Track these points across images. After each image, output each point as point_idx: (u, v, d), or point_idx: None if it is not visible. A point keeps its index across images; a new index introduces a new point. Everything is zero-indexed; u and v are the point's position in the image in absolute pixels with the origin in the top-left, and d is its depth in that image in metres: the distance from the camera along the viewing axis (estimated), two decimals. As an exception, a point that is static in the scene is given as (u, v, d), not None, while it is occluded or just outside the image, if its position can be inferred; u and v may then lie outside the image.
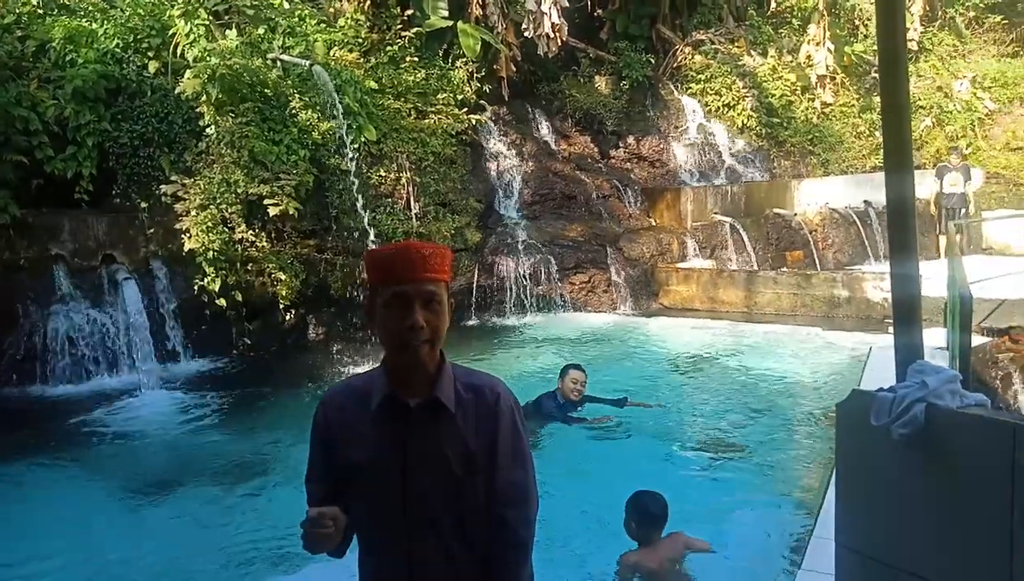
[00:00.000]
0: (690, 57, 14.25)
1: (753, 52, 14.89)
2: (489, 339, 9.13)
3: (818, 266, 11.94)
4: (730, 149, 13.98)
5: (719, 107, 14.09)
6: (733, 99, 14.04)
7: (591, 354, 8.48)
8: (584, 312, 10.34)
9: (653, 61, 13.85)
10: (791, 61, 14.88)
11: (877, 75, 14.78)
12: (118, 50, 8.22)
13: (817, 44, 14.29)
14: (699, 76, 14.18)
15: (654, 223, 11.99)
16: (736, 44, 14.76)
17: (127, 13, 8.45)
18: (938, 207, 12.68)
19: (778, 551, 4.07)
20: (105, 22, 8.31)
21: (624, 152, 13.27)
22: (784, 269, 11.16)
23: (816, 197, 13.05)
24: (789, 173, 14.15)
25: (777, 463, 5.14)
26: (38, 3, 8.27)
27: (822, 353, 8.05)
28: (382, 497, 1.82)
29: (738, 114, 14.00)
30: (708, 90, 14.14)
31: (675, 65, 14.34)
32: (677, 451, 5.56)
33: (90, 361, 7.29)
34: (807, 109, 14.67)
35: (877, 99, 14.82)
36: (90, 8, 8.44)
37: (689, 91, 14.21)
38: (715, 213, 11.95)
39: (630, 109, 13.44)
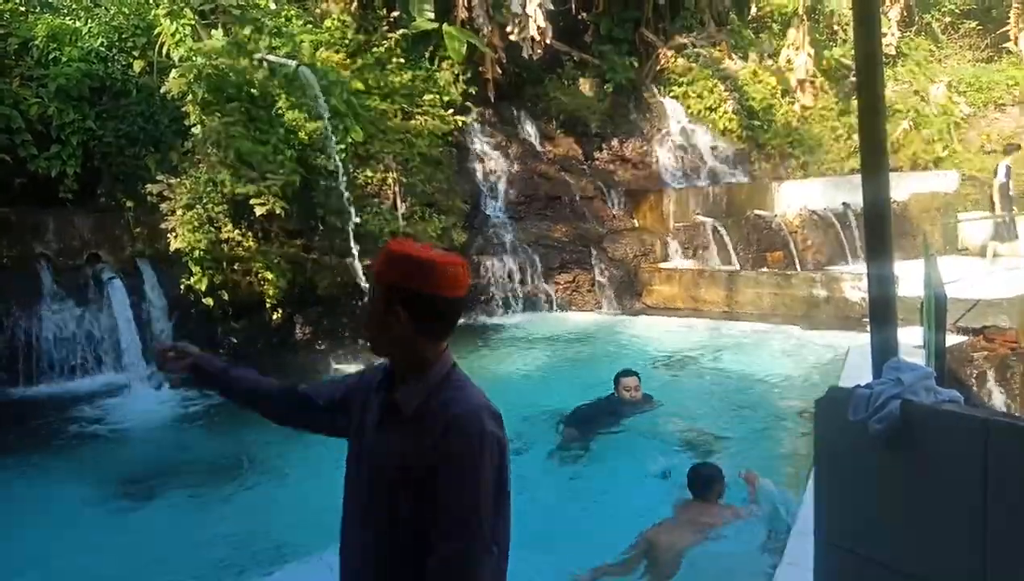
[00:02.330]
0: (672, 60, 14.38)
1: (734, 56, 15.06)
2: (475, 338, 9.18)
3: (798, 266, 12.10)
4: (712, 151, 14.14)
5: (701, 110, 14.24)
6: (715, 102, 14.19)
7: (576, 353, 8.58)
8: (569, 311, 10.43)
9: (636, 64, 13.97)
10: (771, 65, 15.08)
11: (855, 79, 14.96)
12: (102, 48, 8.14)
13: (797, 48, 14.51)
14: (681, 79, 14.32)
15: (637, 224, 12.10)
16: (718, 48, 14.92)
17: (111, 11, 8.38)
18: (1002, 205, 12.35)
19: (759, 545, 4.17)
20: (89, 20, 8.24)
21: (608, 154, 13.37)
22: (765, 269, 11.31)
23: (796, 199, 13.22)
24: (769, 175, 14.33)
25: (758, 459, 5.24)
26: (21, 0, 8.20)
27: (802, 352, 8.19)
28: (348, 473, 1.89)
29: (719, 117, 14.16)
30: (690, 93, 14.28)
31: (658, 68, 14.47)
32: (658, 447, 5.65)
33: (75, 361, 7.24)
34: (787, 112, 14.86)
35: (855, 102, 15.02)
36: (74, 6, 8.37)
37: (671, 94, 14.34)
38: (697, 214, 12.08)
39: (613, 111, 13.54)
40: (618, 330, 9.58)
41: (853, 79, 14.74)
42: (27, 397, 6.90)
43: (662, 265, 11.11)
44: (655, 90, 14.28)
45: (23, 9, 8.12)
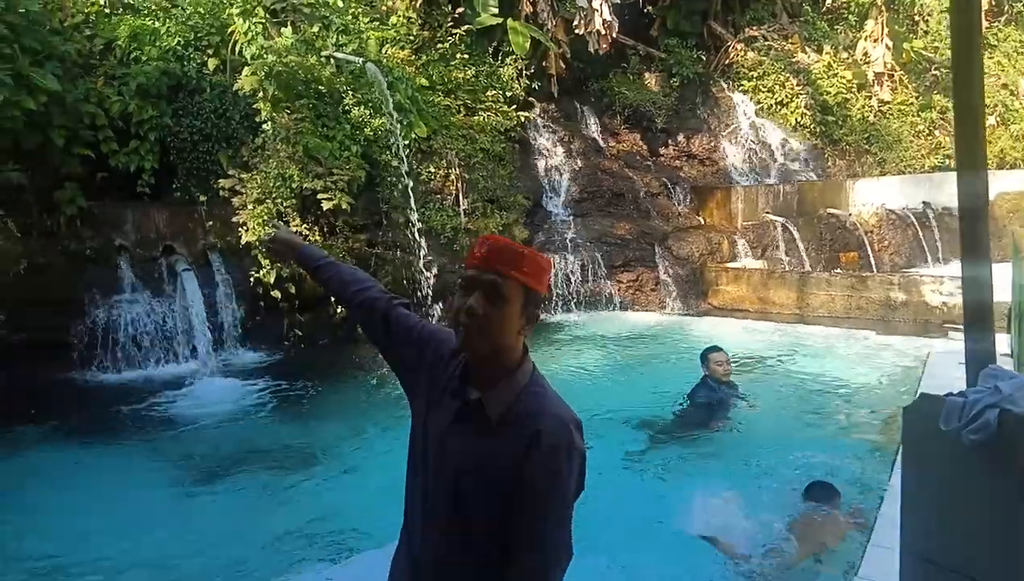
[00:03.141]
0: (742, 54, 14.02)
1: (807, 49, 14.57)
2: (534, 336, 9.13)
3: (874, 268, 11.65)
4: (783, 148, 13.73)
5: (772, 105, 13.84)
6: (786, 97, 13.77)
7: (639, 353, 8.44)
8: (632, 311, 10.27)
9: (704, 58, 13.68)
10: (847, 58, 14.53)
11: (937, 72, 14.38)
12: (179, 48, 8.43)
13: (875, 40, 13.94)
14: (751, 73, 13.95)
15: (703, 222, 11.85)
16: (790, 41, 14.47)
17: (188, 11, 8.67)
18: None
19: (834, 557, 4.00)
20: (167, 20, 8.54)
21: (673, 150, 13.15)
22: (838, 270, 10.92)
23: (872, 197, 12.73)
24: (844, 173, 13.83)
25: (832, 468, 5.03)
26: (105, 2, 8.54)
27: (878, 357, 7.85)
28: (413, 468, 1.85)
29: (791, 112, 13.73)
30: (760, 87, 13.90)
31: (727, 62, 14.14)
32: (730, 453, 5.50)
33: (150, 349, 7.52)
34: (863, 107, 14.31)
35: (937, 97, 14.42)
36: (153, 7, 8.69)
37: (741, 88, 13.99)
38: (766, 213, 11.75)
39: (680, 106, 13.30)
40: (683, 331, 9.39)
41: (935, 72, 14.15)
42: (103, 383, 7.18)
43: (729, 265, 10.84)
44: (723, 85, 13.95)
45: (107, 11, 8.47)
